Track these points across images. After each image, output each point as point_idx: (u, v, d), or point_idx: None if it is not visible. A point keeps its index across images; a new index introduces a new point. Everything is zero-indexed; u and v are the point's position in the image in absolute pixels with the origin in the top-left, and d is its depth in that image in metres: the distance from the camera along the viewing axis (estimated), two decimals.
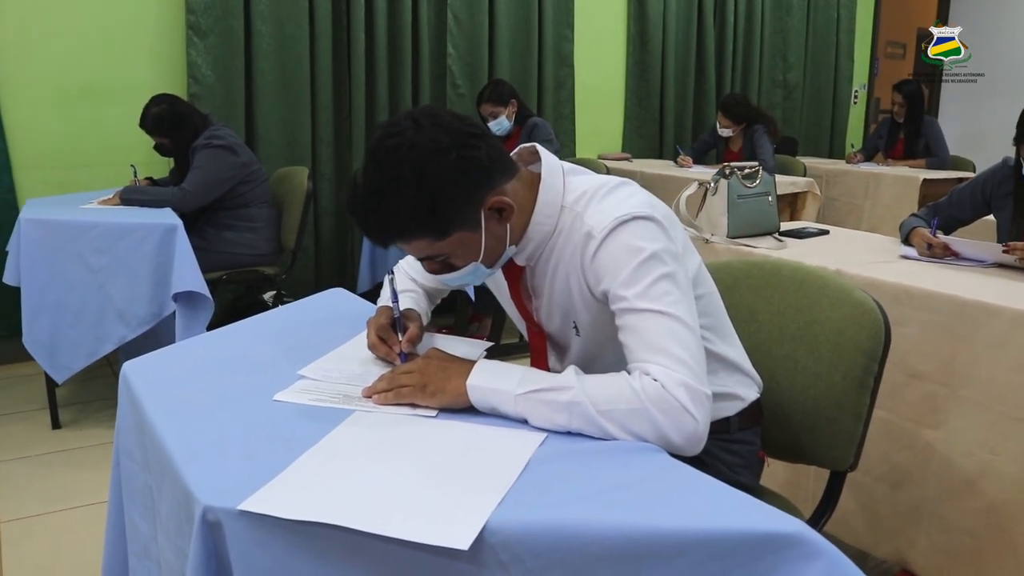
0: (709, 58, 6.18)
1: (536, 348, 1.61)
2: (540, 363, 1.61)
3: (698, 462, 1.55)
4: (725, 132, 5.50)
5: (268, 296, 4.14)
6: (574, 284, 1.43)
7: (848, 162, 6.15)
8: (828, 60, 6.97)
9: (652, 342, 1.27)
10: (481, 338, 4.28)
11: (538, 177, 1.45)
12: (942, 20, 7.74)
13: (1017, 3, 7.19)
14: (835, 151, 7.05)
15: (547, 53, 5.44)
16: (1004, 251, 2.36)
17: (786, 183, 4.88)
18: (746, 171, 2.75)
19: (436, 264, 1.43)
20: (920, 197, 5.27)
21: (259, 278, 3.97)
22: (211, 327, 2.77)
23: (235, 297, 4.34)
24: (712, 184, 2.70)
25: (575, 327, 1.49)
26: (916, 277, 2.24)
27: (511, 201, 1.37)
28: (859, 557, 2.51)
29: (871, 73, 7.51)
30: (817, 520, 1.68)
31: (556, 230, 1.43)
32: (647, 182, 5.05)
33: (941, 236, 2.52)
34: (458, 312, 4.48)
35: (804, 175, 5.45)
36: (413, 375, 1.33)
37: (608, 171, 4.67)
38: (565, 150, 5.57)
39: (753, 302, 1.87)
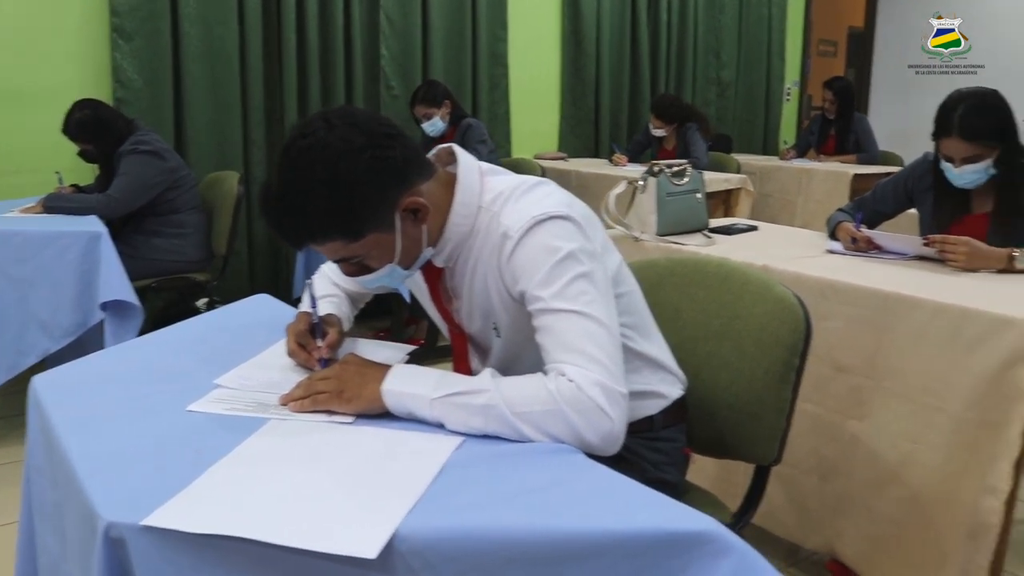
0: (643, 56, 6.22)
1: (458, 350, 1.60)
2: (462, 365, 1.60)
3: (622, 460, 1.55)
4: (658, 132, 5.55)
5: (201, 303, 4.07)
6: (492, 285, 1.42)
7: (781, 158, 6.24)
8: (760, 58, 7.07)
9: (568, 342, 1.27)
10: (418, 341, 4.28)
11: (455, 178, 1.44)
12: (870, 19, 7.90)
13: (944, 1, 7.35)
14: (769, 148, 7.15)
15: (481, 53, 5.43)
16: (924, 244, 2.40)
17: (719, 180, 4.94)
18: (675, 169, 2.77)
19: (352, 266, 1.41)
20: (850, 192, 5.37)
21: (190, 285, 3.90)
22: (142, 335, 2.71)
23: (167, 304, 4.26)
24: (641, 182, 2.71)
25: (495, 328, 1.48)
26: (840, 271, 2.27)
27: (426, 202, 1.36)
28: (790, 549, 2.54)
29: (803, 70, 7.63)
30: (743, 515, 1.70)
31: (474, 231, 1.42)
32: (583, 181, 5.07)
33: (865, 230, 2.56)
34: (394, 315, 4.45)
35: (738, 172, 5.52)
36: (329, 381, 1.31)
37: (543, 171, 4.68)
38: (500, 150, 5.56)
39: (678, 300, 1.88)
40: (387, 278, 1.42)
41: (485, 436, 1.22)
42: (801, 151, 6.41)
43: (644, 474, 1.59)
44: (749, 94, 7.08)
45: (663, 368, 1.63)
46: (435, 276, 1.51)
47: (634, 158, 5.77)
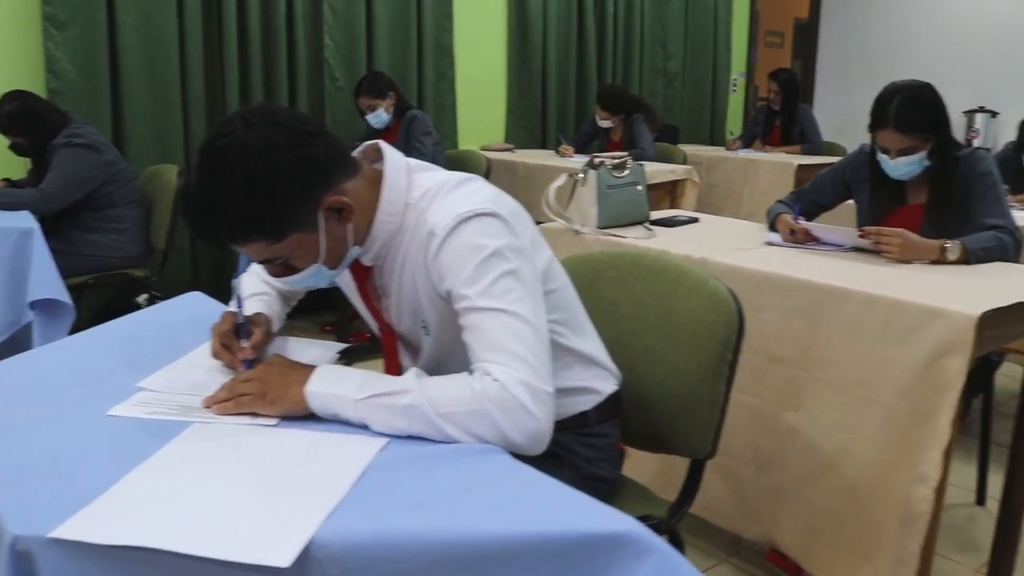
0: (590, 47, 6.23)
1: (388, 348, 1.58)
2: (392, 364, 1.59)
3: (555, 457, 1.55)
4: (604, 123, 5.56)
5: (142, 299, 4.00)
6: (420, 283, 1.41)
7: (728, 149, 6.29)
8: (707, 49, 7.11)
9: (493, 341, 1.26)
10: (363, 336, 4.24)
11: (382, 175, 1.42)
12: (815, 11, 7.98)
13: None
14: (716, 138, 7.20)
15: (427, 44, 5.39)
16: (860, 235, 2.43)
17: (665, 171, 4.96)
18: (615, 162, 2.77)
19: (276, 267, 1.38)
20: (795, 182, 5.42)
21: (129, 281, 3.83)
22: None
23: (106, 302, 4.18)
24: (581, 175, 2.70)
25: (424, 327, 1.46)
26: (776, 264, 2.28)
27: (351, 201, 1.34)
28: (732, 540, 2.57)
29: (749, 61, 7.69)
30: (678, 508, 1.70)
31: (402, 228, 1.41)
32: (529, 172, 5.07)
33: (802, 222, 2.58)
34: (339, 310, 4.41)
35: (684, 163, 5.55)
36: (253, 383, 1.29)
37: (489, 163, 4.66)
38: (447, 142, 5.54)
39: (615, 293, 1.88)
40: (313, 278, 1.40)
41: (410, 437, 1.21)
42: (747, 142, 6.47)
43: (578, 470, 1.59)
44: (696, 85, 7.12)
45: (596, 364, 1.63)
46: (363, 274, 1.49)
47: (581, 149, 5.77)
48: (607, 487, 1.66)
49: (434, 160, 4.57)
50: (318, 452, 1.17)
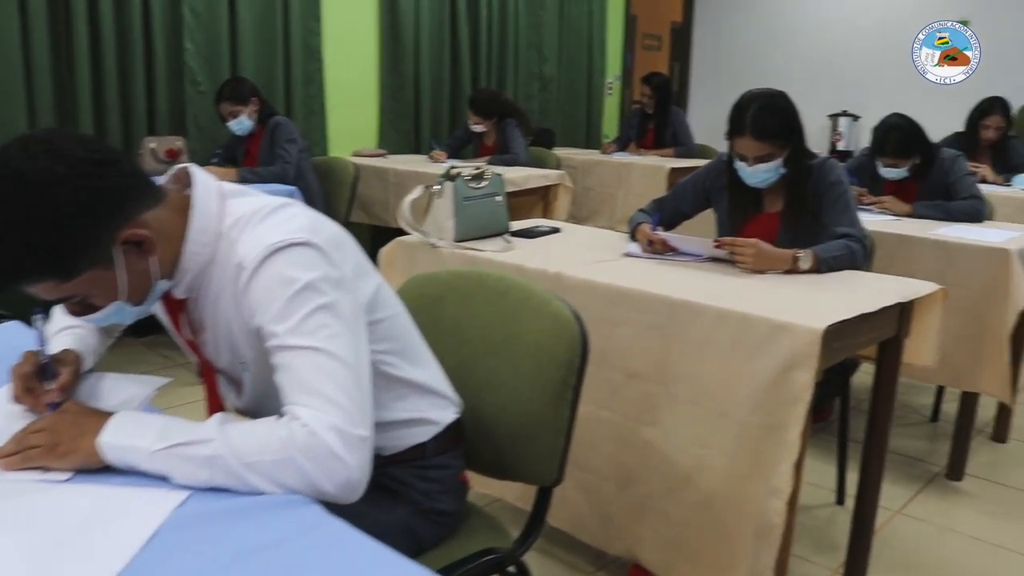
0: (463, 51, 6.16)
1: (209, 385, 1.48)
2: (214, 401, 1.48)
3: (390, 492, 1.48)
4: (477, 127, 5.51)
5: None
6: (233, 318, 1.30)
7: (602, 152, 6.32)
8: (582, 53, 7.13)
9: (304, 382, 1.17)
10: None
11: (191, 202, 1.31)
12: (687, 15, 8.10)
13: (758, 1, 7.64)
14: (591, 141, 7.24)
15: (294, 47, 5.23)
16: (716, 246, 2.42)
17: (537, 176, 4.94)
18: (473, 172, 2.70)
19: (75, 305, 1.27)
20: (668, 185, 5.47)
21: None
22: None
23: None
24: (437, 187, 2.63)
25: (243, 363, 1.37)
26: (632, 277, 2.25)
27: (151, 233, 1.23)
28: (597, 555, 2.53)
29: (624, 65, 7.75)
30: (525, 539, 1.65)
31: (214, 259, 1.30)
32: (400, 179, 4.97)
33: (660, 232, 2.56)
34: None
35: (558, 167, 5.54)
36: (42, 434, 1.17)
37: (357, 169, 4.55)
38: (316, 148, 5.39)
39: (459, 315, 1.81)
40: (116, 315, 1.28)
41: (215, 489, 1.11)
42: (622, 145, 6.52)
43: (416, 505, 1.52)
44: (571, 89, 7.13)
45: (433, 392, 1.56)
46: (176, 308, 1.38)
47: (454, 154, 5.71)
48: (449, 520, 1.59)
49: (299, 168, 4.48)
50: (107, 511, 1.06)
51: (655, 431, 2.16)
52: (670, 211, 2.85)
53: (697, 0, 8.14)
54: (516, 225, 2.99)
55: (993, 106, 5.00)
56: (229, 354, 1.37)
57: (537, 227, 2.92)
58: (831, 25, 7.19)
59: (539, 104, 6.86)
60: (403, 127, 5.95)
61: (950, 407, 3.67)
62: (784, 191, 2.65)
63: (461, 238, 2.64)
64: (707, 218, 2.91)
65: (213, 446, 1.11)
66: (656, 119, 6.40)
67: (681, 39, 8.74)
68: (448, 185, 2.62)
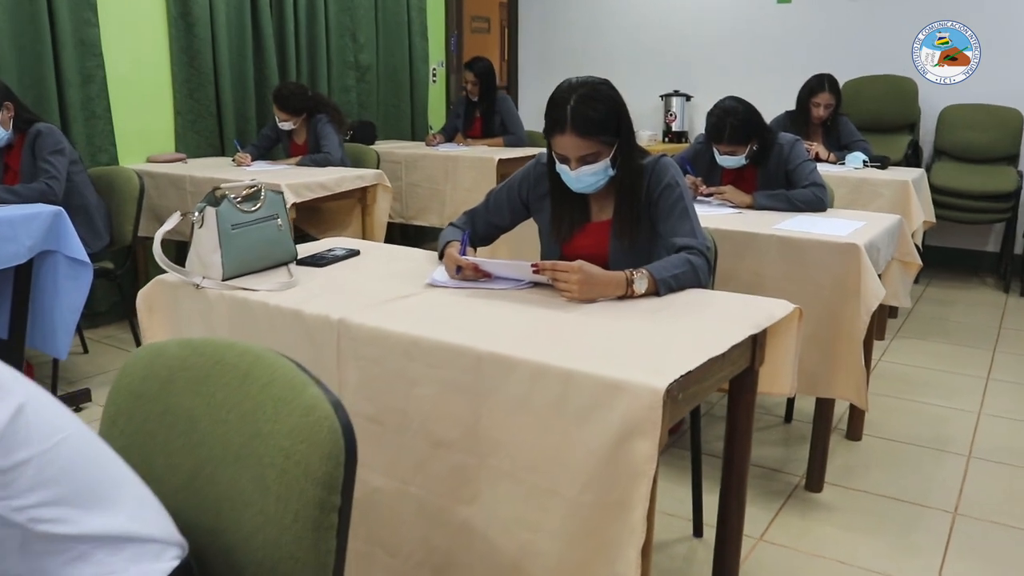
0: (268, 40, 5.56)
1: None
2: None
3: None
4: (285, 125, 4.99)
5: None
6: None
7: (427, 144, 5.89)
8: (401, 39, 6.64)
9: None
10: None
11: None
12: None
13: None
14: (418, 133, 6.77)
15: (65, 41, 4.51)
16: (534, 271, 2.02)
17: (352, 177, 4.48)
18: (244, 192, 2.21)
19: None
20: (498, 176, 5.11)
21: None
22: None
23: None
24: (196, 214, 2.13)
25: None
26: (432, 321, 1.82)
27: None
28: None
29: (448, 50, 7.30)
30: None
31: None
32: (199, 187, 4.39)
33: (470, 258, 2.14)
34: None
35: (377, 164, 5.08)
36: None
37: (142, 182, 3.95)
38: (103, 155, 4.73)
39: (192, 403, 1.34)
40: None
41: None
42: (449, 135, 6.12)
43: None
44: (392, 78, 6.63)
45: (133, 540, 1.09)
46: None
47: (263, 155, 5.18)
48: None
49: (71, 182, 3.84)
50: None
51: (473, 510, 1.74)
52: (483, 225, 2.45)
53: None
54: (311, 248, 2.52)
55: (822, 83, 4.88)
56: None
57: (331, 251, 2.46)
58: (660, 3, 6.95)
59: (357, 95, 6.33)
60: (204, 127, 5.30)
61: (804, 404, 3.45)
62: (614, 196, 2.28)
63: (232, 275, 2.15)
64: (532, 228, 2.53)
65: None
66: (482, 106, 6.02)
67: (512, 19, 8.35)
68: (210, 211, 2.12)
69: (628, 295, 1.98)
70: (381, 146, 5.84)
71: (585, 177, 2.21)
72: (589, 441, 1.52)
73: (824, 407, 2.95)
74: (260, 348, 1.35)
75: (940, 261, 6.02)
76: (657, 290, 2.01)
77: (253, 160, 4.93)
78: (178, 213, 2.15)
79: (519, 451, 1.63)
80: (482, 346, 1.65)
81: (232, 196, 2.17)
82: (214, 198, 2.15)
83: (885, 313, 4.48)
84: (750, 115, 3.29)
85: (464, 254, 2.17)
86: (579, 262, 1.96)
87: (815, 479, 2.97)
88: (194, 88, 5.23)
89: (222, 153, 5.37)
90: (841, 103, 4.99)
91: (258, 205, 2.22)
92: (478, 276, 2.13)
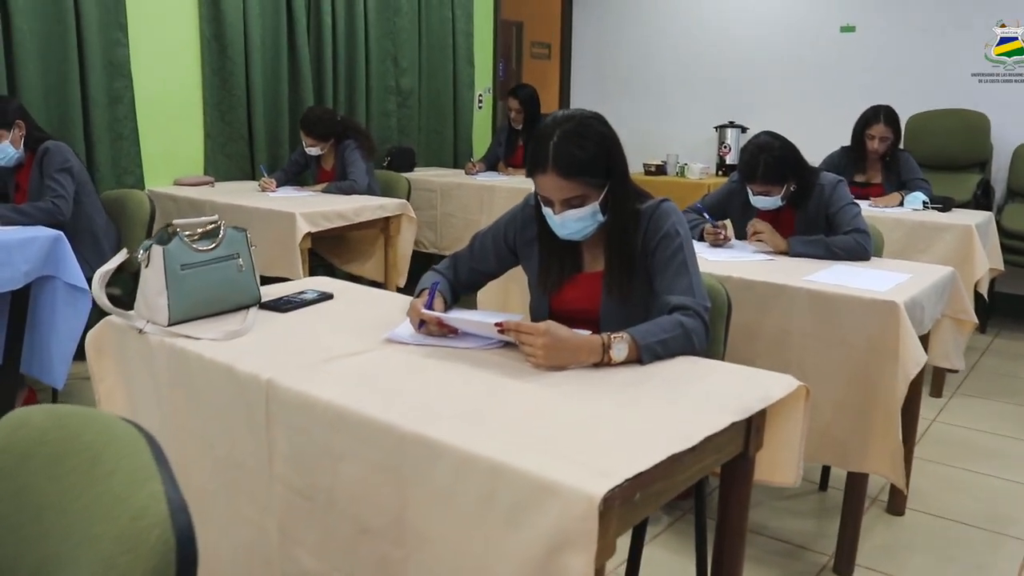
0: (304, 64, 5.43)
1: None
2: None
3: None
4: (312, 151, 4.85)
5: None
6: None
7: (466, 172, 5.71)
8: (446, 64, 6.48)
9: None
10: None
11: None
12: (566, 24, 7.51)
13: (639, 4, 7.05)
14: (460, 160, 6.58)
15: (93, 61, 4.44)
16: (499, 331, 1.77)
17: (372, 207, 4.28)
18: (200, 229, 2.02)
19: None
20: None
21: None
22: None
23: None
24: (142, 252, 1.94)
25: None
26: (363, 392, 1.57)
27: None
28: None
29: (495, 76, 7.12)
30: None
31: None
32: (219, 211, 4.22)
33: (435, 312, 1.91)
34: None
35: (408, 193, 4.89)
36: None
37: (153, 206, 3.82)
38: (130, 176, 4.64)
39: (45, 488, 1.12)
40: None
41: None
42: (491, 164, 5.93)
43: None
44: (435, 103, 6.46)
45: None
46: None
47: (292, 180, 5.03)
48: None
49: (78, 203, 3.73)
50: None
51: None
52: (467, 272, 2.22)
53: (576, 9, 7.53)
54: (282, 289, 2.32)
55: (877, 114, 4.54)
56: None
57: (301, 294, 2.25)
58: (715, 31, 6.66)
59: (398, 121, 6.17)
60: (234, 150, 5.19)
61: (841, 471, 3.12)
62: (604, 245, 2.04)
63: (179, 319, 1.96)
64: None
65: None
66: (525, 135, 5.81)
67: (565, 44, 8.14)
68: (157, 249, 1.93)
69: (604, 362, 1.72)
70: (419, 173, 5.67)
71: (570, 223, 1.97)
72: (519, 548, 1.27)
73: (857, 479, 2.64)
74: (122, 425, 1.13)
75: (1010, 310, 5.60)
76: (640, 357, 1.75)
77: (279, 185, 4.79)
78: (124, 251, 1.96)
79: (446, 550, 1.38)
80: (407, 426, 1.40)
81: (185, 233, 1.98)
82: (165, 235, 1.96)
83: (943, 368, 4.11)
84: (787, 152, 3.01)
85: (431, 305, 1.94)
86: (547, 323, 1.71)
87: (844, 561, 2.65)
88: (225, 111, 5.12)
89: (252, 177, 5.25)
90: (901, 137, 4.65)
91: (214, 244, 2.03)
92: (443, 331, 1.89)
